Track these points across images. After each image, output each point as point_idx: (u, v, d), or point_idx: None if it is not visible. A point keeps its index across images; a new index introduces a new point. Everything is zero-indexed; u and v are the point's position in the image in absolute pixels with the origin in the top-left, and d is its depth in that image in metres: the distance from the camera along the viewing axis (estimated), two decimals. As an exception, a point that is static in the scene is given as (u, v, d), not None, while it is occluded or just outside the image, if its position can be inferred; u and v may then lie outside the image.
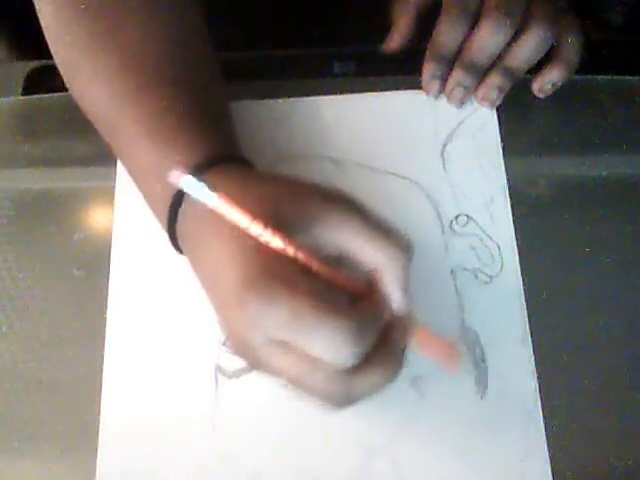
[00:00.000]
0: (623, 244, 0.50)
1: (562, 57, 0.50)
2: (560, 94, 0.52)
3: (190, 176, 0.35)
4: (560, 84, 0.51)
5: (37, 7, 0.46)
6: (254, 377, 0.45)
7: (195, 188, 0.35)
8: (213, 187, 0.36)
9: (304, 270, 0.36)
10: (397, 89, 0.53)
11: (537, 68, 0.51)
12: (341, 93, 0.53)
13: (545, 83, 0.51)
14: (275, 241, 0.35)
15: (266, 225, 0.35)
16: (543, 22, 0.48)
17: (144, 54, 0.44)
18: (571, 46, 0.50)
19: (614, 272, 0.49)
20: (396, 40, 0.52)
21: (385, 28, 0.53)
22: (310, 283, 0.35)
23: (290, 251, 0.35)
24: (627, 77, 0.55)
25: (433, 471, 0.43)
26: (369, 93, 0.53)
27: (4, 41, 0.55)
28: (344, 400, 0.36)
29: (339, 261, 0.37)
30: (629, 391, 0.46)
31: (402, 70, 0.53)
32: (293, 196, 0.37)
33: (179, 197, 0.39)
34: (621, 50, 0.57)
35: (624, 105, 0.54)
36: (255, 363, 0.36)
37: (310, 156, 0.51)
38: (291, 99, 0.53)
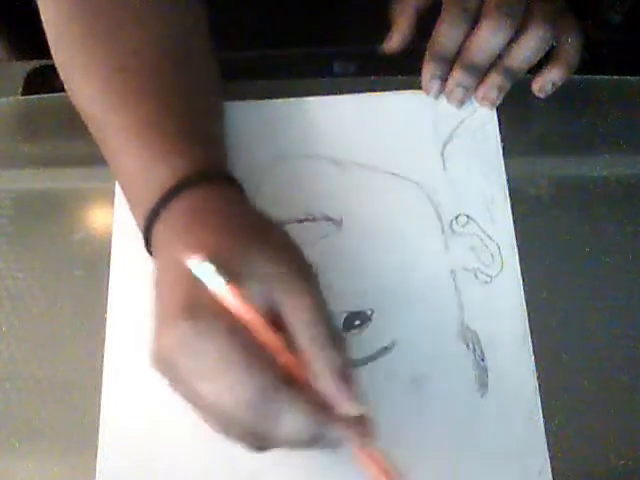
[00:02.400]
0: (623, 244, 0.50)
1: (562, 57, 0.50)
2: (560, 94, 0.52)
3: (207, 264, 0.35)
4: (560, 84, 0.51)
5: (39, 1, 0.46)
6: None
7: (207, 275, 0.35)
8: (182, 211, 0.38)
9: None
10: (397, 89, 0.53)
11: (537, 68, 0.51)
12: (341, 93, 0.53)
13: (545, 83, 0.51)
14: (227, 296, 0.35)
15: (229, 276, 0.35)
16: (543, 22, 0.48)
17: (142, 56, 0.44)
18: (571, 46, 0.50)
19: (614, 272, 0.49)
20: (396, 40, 0.52)
21: (385, 28, 0.53)
22: (244, 332, 0.35)
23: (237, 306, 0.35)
24: (627, 77, 0.55)
25: (433, 470, 0.43)
26: (369, 93, 0.53)
27: (4, 41, 0.55)
28: (259, 441, 0.35)
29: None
30: (629, 391, 0.46)
31: (402, 70, 0.53)
32: (257, 241, 0.37)
33: (157, 210, 0.39)
34: (621, 50, 0.57)
35: (624, 105, 0.54)
36: (178, 391, 0.36)
37: (310, 156, 0.51)
38: (291, 99, 0.53)
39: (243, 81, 0.53)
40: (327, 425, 0.35)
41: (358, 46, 0.57)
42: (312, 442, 0.35)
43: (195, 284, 0.35)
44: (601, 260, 0.49)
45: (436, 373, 0.45)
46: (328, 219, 0.48)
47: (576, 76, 0.51)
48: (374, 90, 0.53)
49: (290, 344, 0.36)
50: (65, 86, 0.46)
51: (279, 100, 0.53)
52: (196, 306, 0.34)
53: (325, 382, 0.35)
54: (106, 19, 0.45)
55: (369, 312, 0.46)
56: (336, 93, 0.53)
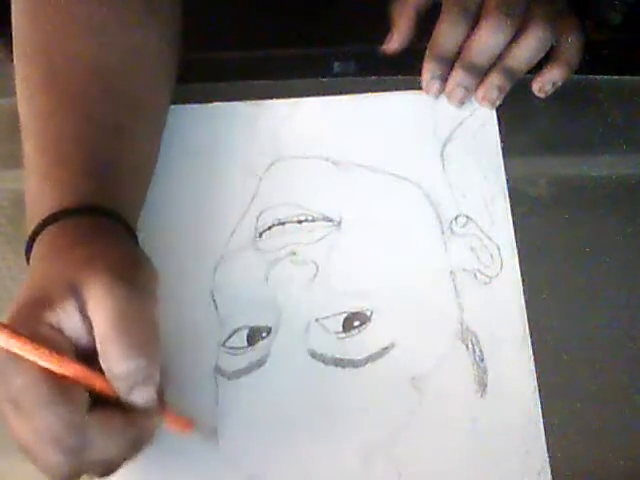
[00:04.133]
0: (623, 244, 0.50)
1: (562, 57, 0.50)
2: (560, 94, 0.52)
3: None
4: (560, 84, 0.51)
5: None
6: (254, 378, 0.45)
7: None
8: (42, 244, 0.39)
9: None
10: (397, 89, 0.53)
11: (537, 68, 0.51)
12: (341, 93, 0.53)
13: (545, 83, 0.51)
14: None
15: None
16: (543, 22, 0.48)
17: (69, 73, 0.44)
18: (571, 46, 0.50)
19: (614, 272, 0.49)
20: (396, 40, 0.52)
21: (385, 28, 0.53)
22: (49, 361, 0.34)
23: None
24: (627, 77, 0.55)
25: (433, 471, 0.43)
26: (369, 93, 0.53)
27: (4, 41, 0.55)
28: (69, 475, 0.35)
29: None
30: (629, 391, 0.46)
31: (402, 70, 0.53)
32: (100, 267, 0.36)
33: (36, 233, 0.40)
34: (621, 50, 0.57)
35: (624, 105, 0.54)
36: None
37: (310, 156, 0.51)
38: (291, 99, 0.53)
39: (243, 81, 0.53)
40: (141, 425, 0.36)
41: (358, 46, 0.57)
42: (137, 446, 0.36)
43: (14, 315, 0.35)
44: (601, 260, 0.49)
45: (435, 373, 0.45)
46: (327, 220, 0.48)
47: (576, 76, 0.51)
48: (374, 90, 0.53)
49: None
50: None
51: (279, 100, 0.53)
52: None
53: (120, 395, 0.36)
54: (52, 29, 0.45)
55: (368, 313, 0.46)
56: (336, 93, 0.53)
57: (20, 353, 0.34)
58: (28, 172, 0.43)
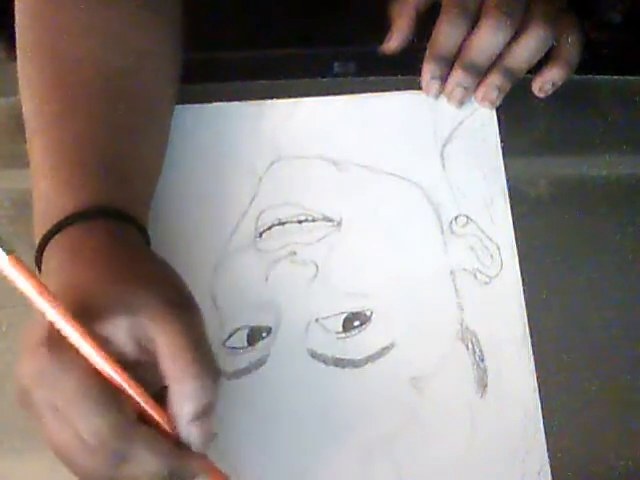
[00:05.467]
0: (623, 244, 0.50)
1: (562, 57, 0.50)
2: (560, 94, 0.52)
3: None
4: (560, 84, 0.51)
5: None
6: (254, 378, 0.45)
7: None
8: (67, 244, 0.37)
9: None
10: (397, 89, 0.53)
11: (537, 68, 0.51)
12: (341, 93, 0.53)
13: (545, 83, 0.51)
14: (60, 322, 0.34)
15: (57, 304, 0.34)
16: (543, 22, 0.48)
17: (80, 75, 0.44)
18: (571, 46, 0.50)
19: (614, 272, 0.49)
20: (395, 40, 0.52)
21: (385, 28, 0.53)
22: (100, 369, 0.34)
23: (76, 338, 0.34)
24: (627, 77, 0.55)
25: (433, 471, 0.43)
26: (369, 93, 0.53)
27: (4, 41, 0.55)
28: None
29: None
30: (629, 391, 0.46)
31: (402, 70, 0.53)
32: (132, 276, 0.37)
33: (49, 236, 0.39)
34: (621, 50, 0.57)
35: (624, 105, 0.54)
36: (33, 419, 0.35)
37: (310, 156, 0.51)
38: (291, 99, 0.53)
39: (243, 81, 0.53)
40: (183, 461, 0.35)
41: (358, 46, 0.57)
42: (171, 477, 0.35)
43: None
44: (601, 260, 0.49)
45: (435, 374, 0.45)
46: (327, 220, 0.48)
47: (576, 76, 0.51)
48: (374, 90, 0.53)
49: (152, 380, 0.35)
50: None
51: (279, 100, 0.53)
52: (60, 337, 0.34)
53: (178, 422, 0.35)
54: (56, 29, 0.45)
55: (368, 313, 0.46)
56: (336, 93, 0.53)
57: (81, 347, 0.34)
58: (37, 174, 0.42)
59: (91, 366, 0.34)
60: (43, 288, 0.34)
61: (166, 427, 0.35)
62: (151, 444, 0.34)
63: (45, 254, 0.39)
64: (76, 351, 0.34)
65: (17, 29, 0.47)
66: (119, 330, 0.35)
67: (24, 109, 0.45)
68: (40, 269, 0.40)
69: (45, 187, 0.41)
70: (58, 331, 0.34)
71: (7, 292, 0.47)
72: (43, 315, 0.34)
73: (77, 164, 0.42)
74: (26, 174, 0.44)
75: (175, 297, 0.37)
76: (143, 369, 0.35)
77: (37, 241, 0.40)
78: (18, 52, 0.46)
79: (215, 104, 0.53)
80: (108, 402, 0.33)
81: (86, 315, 0.34)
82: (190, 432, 0.35)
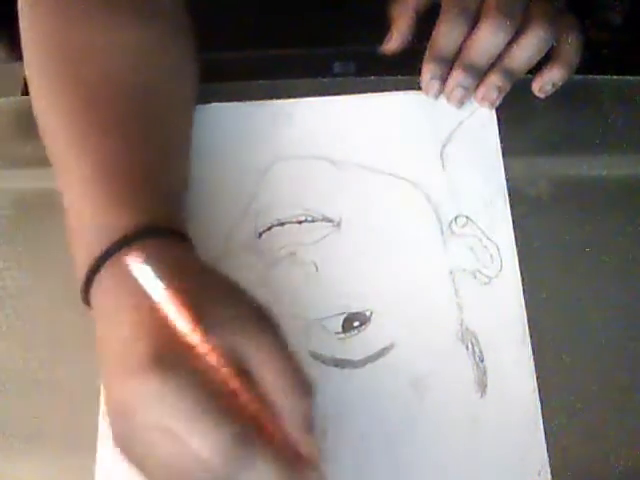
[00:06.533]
0: (623, 244, 0.50)
1: (562, 57, 0.50)
2: (560, 94, 0.52)
3: (146, 265, 0.34)
4: (560, 84, 0.51)
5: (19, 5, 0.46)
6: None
7: (146, 278, 0.34)
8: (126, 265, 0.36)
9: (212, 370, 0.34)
10: (397, 89, 0.53)
11: (537, 68, 0.51)
12: (341, 93, 0.53)
13: (545, 83, 0.51)
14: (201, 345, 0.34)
15: (195, 326, 0.34)
16: (543, 22, 0.47)
17: (110, 88, 0.44)
18: (571, 46, 0.50)
19: (614, 272, 0.49)
20: (395, 40, 0.52)
21: (385, 28, 0.53)
22: (214, 383, 0.34)
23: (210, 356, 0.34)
24: (627, 77, 0.55)
25: (433, 471, 0.43)
26: (369, 93, 0.53)
27: (4, 41, 0.55)
28: None
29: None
30: (629, 391, 0.46)
31: (402, 70, 0.53)
32: (218, 294, 0.37)
33: (101, 261, 0.38)
34: (621, 50, 0.57)
35: (624, 105, 0.54)
36: (135, 448, 0.35)
37: (309, 156, 0.51)
38: (291, 99, 0.53)
39: (243, 81, 0.53)
40: (301, 471, 0.35)
41: (358, 46, 0.57)
42: None
43: (163, 334, 0.34)
44: (601, 260, 0.49)
45: (435, 374, 0.45)
46: (327, 220, 0.48)
47: (576, 76, 0.51)
48: (374, 90, 0.53)
49: (257, 394, 0.35)
50: (34, 109, 0.45)
51: (279, 100, 0.53)
52: (167, 357, 0.33)
53: (296, 434, 0.35)
54: (81, 37, 0.45)
55: (368, 313, 0.46)
56: (336, 93, 0.53)
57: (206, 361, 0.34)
58: (75, 191, 0.41)
59: (205, 383, 0.33)
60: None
61: (281, 438, 0.35)
62: (274, 458, 0.33)
63: (103, 272, 0.38)
64: (183, 369, 0.33)
65: (23, 36, 0.46)
66: (219, 347, 0.34)
67: (47, 124, 0.44)
68: (88, 288, 0.39)
69: (91, 209, 0.40)
70: (163, 352, 0.33)
71: (7, 292, 0.48)
72: (136, 338, 0.34)
73: (122, 184, 0.41)
74: (26, 174, 0.44)
75: (261, 313, 0.37)
76: None
77: (85, 260, 0.38)
78: (28, 72, 0.46)
79: (215, 104, 0.53)
80: (228, 415, 0.33)
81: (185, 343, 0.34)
82: (309, 443, 0.35)
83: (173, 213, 0.42)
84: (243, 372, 0.35)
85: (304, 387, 0.35)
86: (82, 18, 0.46)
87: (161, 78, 0.47)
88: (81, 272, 0.39)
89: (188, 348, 0.34)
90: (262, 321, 0.36)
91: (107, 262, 0.38)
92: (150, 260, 0.36)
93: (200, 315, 0.35)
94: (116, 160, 0.42)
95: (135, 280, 0.35)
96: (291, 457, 0.35)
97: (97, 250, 0.38)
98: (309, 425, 0.35)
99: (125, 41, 0.46)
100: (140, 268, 0.35)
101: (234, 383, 0.34)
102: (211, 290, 0.37)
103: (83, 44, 0.45)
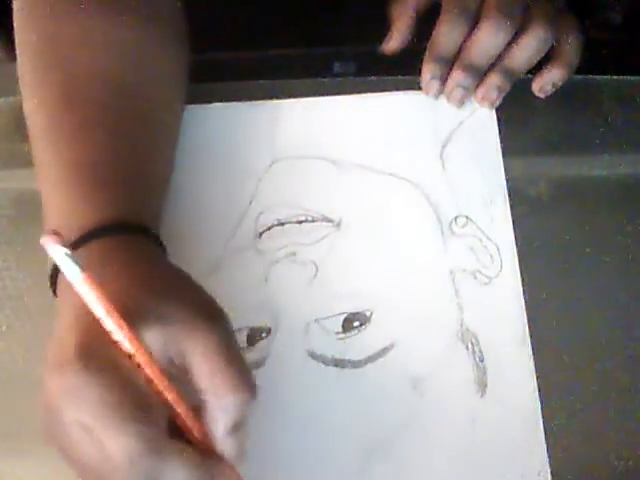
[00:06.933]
0: (623, 244, 0.50)
1: (562, 57, 0.50)
2: (560, 94, 0.52)
3: (60, 247, 0.33)
4: (560, 84, 0.51)
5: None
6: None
7: (63, 260, 0.33)
8: (90, 258, 0.36)
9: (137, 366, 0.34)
10: (397, 89, 0.53)
11: (537, 68, 0.51)
12: (341, 93, 0.53)
13: (545, 83, 0.51)
14: (123, 340, 0.33)
15: (120, 323, 0.33)
16: (543, 22, 0.47)
17: (88, 91, 0.44)
18: (571, 46, 0.50)
19: (614, 272, 0.49)
20: (395, 40, 0.52)
21: (385, 28, 0.53)
22: (135, 381, 0.33)
23: (132, 351, 0.33)
24: (627, 77, 0.55)
25: (433, 471, 0.43)
26: (369, 93, 0.53)
27: (4, 41, 0.55)
28: None
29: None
30: (629, 391, 0.46)
31: (402, 70, 0.53)
32: (162, 288, 0.36)
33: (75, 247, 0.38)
34: (621, 50, 0.57)
35: (624, 105, 0.54)
36: (59, 442, 0.34)
37: (309, 157, 0.51)
38: (291, 99, 0.53)
39: (243, 81, 0.53)
40: (213, 473, 0.34)
41: (358, 46, 0.57)
42: None
43: (92, 328, 0.33)
44: (601, 260, 0.49)
45: (435, 374, 0.45)
46: (327, 220, 0.48)
47: (576, 76, 0.51)
48: (374, 90, 0.53)
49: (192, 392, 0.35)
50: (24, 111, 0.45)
51: (279, 100, 0.53)
52: (90, 352, 0.33)
53: (214, 434, 0.35)
54: (62, 43, 0.45)
55: (368, 313, 0.46)
56: (336, 93, 0.53)
57: (126, 346, 0.33)
58: (51, 191, 0.42)
59: (121, 381, 0.33)
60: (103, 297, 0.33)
61: (200, 437, 0.35)
62: (183, 460, 0.33)
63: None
64: (105, 366, 0.33)
65: (17, 37, 0.46)
66: (153, 342, 0.34)
67: (31, 122, 0.45)
68: (55, 282, 0.39)
69: (63, 203, 0.41)
70: (87, 347, 0.33)
71: (7, 292, 0.48)
72: (68, 332, 0.34)
73: (96, 180, 0.41)
74: (26, 174, 0.44)
75: (206, 308, 0.36)
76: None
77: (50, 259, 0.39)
78: (19, 73, 0.46)
79: (215, 104, 0.53)
80: (138, 417, 0.32)
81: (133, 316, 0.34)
82: (226, 444, 0.35)
83: (142, 211, 0.42)
84: (181, 369, 0.34)
85: (237, 387, 0.34)
86: (75, 17, 0.46)
87: (149, 81, 0.47)
88: (49, 265, 0.39)
89: (114, 345, 0.33)
90: (204, 317, 0.35)
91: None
92: (99, 259, 0.37)
93: (135, 311, 0.34)
94: (87, 160, 0.42)
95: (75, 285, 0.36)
96: (206, 460, 0.34)
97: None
98: (234, 427, 0.35)
99: (117, 41, 0.46)
100: (93, 264, 0.35)
101: (161, 382, 0.34)
102: (156, 285, 0.36)
103: (73, 43, 0.45)
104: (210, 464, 0.34)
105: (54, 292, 0.40)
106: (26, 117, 0.45)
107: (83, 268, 0.33)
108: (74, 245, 0.38)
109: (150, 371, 0.33)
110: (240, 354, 0.36)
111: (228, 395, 0.34)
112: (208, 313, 0.36)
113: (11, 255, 0.49)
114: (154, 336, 0.34)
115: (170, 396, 0.34)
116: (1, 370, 0.46)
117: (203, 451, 0.34)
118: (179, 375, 0.34)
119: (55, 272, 0.39)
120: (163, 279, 0.38)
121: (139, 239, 0.40)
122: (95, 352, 0.33)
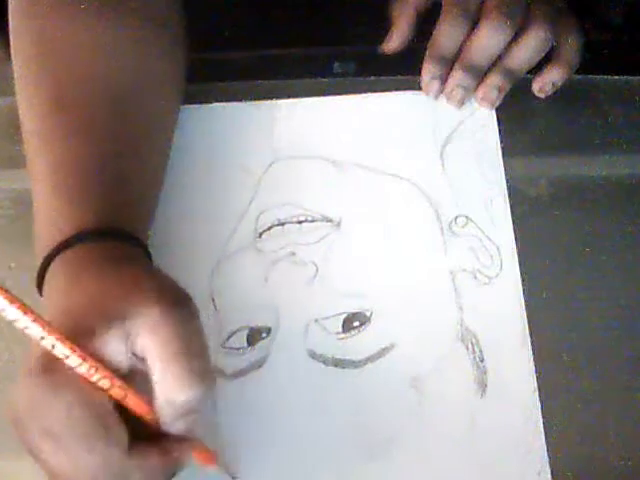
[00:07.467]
0: (623, 244, 0.50)
1: (562, 57, 0.50)
2: (560, 94, 0.52)
3: None
4: (560, 84, 0.51)
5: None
6: (254, 378, 0.45)
7: None
8: (70, 264, 0.37)
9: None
10: (397, 89, 0.53)
11: (537, 68, 0.51)
12: (341, 93, 0.53)
13: (545, 83, 0.51)
14: (58, 347, 0.33)
15: (50, 330, 0.33)
16: (543, 23, 0.48)
17: (79, 94, 0.44)
18: (571, 46, 0.50)
19: (614, 272, 0.49)
20: (395, 40, 0.52)
21: (385, 28, 0.53)
22: (99, 402, 0.33)
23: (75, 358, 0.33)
24: (627, 77, 0.55)
25: (433, 471, 0.43)
26: (369, 93, 0.53)
27: (4, 41, 0.55)
28: None
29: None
30: (629, 391, 0.46)
31: (402, 70, 0.53)
32: (120, 287, 0.36)
33: (52, 256, 0.38)
34: (621, 50, 0.57)
35: (624, 105, 0.54)
36: (30, 452, 0.34)
37: (309, 157, 0.51)
38: (291, 99, 0.53)
39: (243, 81, 0.53)
40: (177, 460, 0.35)
41: (358, 46, 0.57)
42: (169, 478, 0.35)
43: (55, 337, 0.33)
44: (601, 260, 0.49)
45: (435, 374, 0.45)
46: (327, 220, 0.49)
47: (576, 76, 0.51)
48: (374, 90, 0.53)
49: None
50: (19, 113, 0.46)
51: (279, 100, 0.53)
52: (55, 366, 0.33)
53: (161, 419, 0.35)
54: (57, 45, 0.45)
55: (368, 313, 0.46)
56: (336, 93, 0.53)
57: (74, 361, 0.33)
58: (39, 194, 0.42)
59: (81, 394, 0.33)
60: (30, 311, 0.33)
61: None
62: (144, 469, 0.34)
63: (48, 272, 0.38)
64: (67, 378, 0.33)
65: (12, 37, 0.46)
66: (113, 340, 0.34)
67: (24, 125, 0.45)
68: (41, 286, 0.39)
69: (48, 207, 0.41)
70: (50, 359, 0.33)
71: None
72: (36, 344, 0.33)
73: (82, 185, 0.41)
74: (26, 174, 0.44)
75: (166, 296, 0.36)
76: (142, 378, 0.35)
77: (39, 259, 0.39)
78: (15, 74, 0.46)
79: (215, 104, 0.53)
80: (97, 435, 0.32)
81: (86, 330, 0.34)
82: (174, 428, 0.35)
83: (128, 217, 0.41)
84: (137, 368, 0.35)
85: (184, 386, 0.34)
86: (71, 18, 0.45)
87: (144, 83, 0.47)
88: (37, 269, 0.39)
89: (74, 353, 0.33)
90: (161, 306, 0.34)
91: (50, 265, 0.38)
92: (77, 264, 0.37)
93: (100, 314, 0.34)
94: (76, 161, 0.42)
95: (59, 283, 0.37)
96: (168, 463, 0.35)
97: (50, 246, 0.39)
98: (182, 414, 0.35)
99: (113, 43, 0.46)
100: (62, 273, 0.36)
101: (118, 387, 0.34)
102: (125, 283, 0.36)
103: (68, 44, 0.45)
104: (169, 459, 0.35)
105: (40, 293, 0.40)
106: (20, 118, 0.45)
107: None
108: (57, 250, 0.38)
109: (108, 376, 0.34)
110: (199, 344, 0.36)
111: (175, 393, 0.34)
112: (166, 300, 0.35)
113: (11, 255, 0.49)
114: (113, 333, 0.34)
115: (134, 403, 0.34)
116: (1, 370, 0.46)
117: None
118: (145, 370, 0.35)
119: (42, 272, 0.39)
120: (137, 282, 0.37)
121: (120, 244, 0.39)
122: (59, 366, 0.33)
